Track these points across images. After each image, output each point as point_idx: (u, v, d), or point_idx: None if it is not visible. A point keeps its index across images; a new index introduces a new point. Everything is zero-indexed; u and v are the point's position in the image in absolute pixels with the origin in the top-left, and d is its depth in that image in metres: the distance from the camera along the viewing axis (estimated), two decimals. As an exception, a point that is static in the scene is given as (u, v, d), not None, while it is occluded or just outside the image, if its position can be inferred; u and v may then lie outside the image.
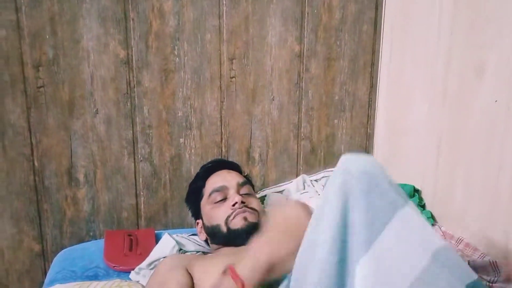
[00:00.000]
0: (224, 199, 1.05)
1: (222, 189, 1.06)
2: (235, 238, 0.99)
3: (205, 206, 1.08)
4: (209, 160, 1.27)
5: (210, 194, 1.07)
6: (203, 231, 1.10)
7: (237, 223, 1.00)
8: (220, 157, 1.36)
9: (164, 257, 1.10)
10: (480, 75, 1.10)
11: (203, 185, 1.11)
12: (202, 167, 1.19)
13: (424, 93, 1.29)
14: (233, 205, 1.02)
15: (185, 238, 1.17)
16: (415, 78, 1.33)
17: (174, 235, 1.17)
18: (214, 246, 1.07)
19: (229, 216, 1.01)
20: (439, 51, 1.22)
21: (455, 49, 1.18)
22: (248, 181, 1.13)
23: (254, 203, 1.06)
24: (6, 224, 1.21)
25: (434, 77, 1.24)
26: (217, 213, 1.03)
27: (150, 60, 1.24)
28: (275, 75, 1.37)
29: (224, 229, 1.01)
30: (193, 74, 1.29)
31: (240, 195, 1.05)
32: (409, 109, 1.36)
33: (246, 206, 1.03)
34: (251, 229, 0.99)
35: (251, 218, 1.01)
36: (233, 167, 1.17)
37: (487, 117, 1.09)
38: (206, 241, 1.12)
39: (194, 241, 1.16)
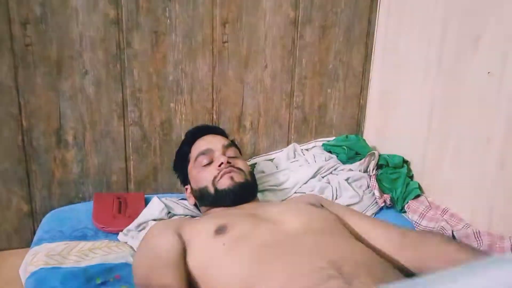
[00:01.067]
0: (211, 162, 1.05)
1: (208, 152, 1.06)
2: (223, 198, 1.00)
3: (192, 170, 1.09)
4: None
5: (196, 158, 1.07)
6: (191, 196, 1.11)
7: (224, 183, 1.00)
8: (211, 124, 1.35)
9: (153, 220, 1.11)
10: (475, 46, 1.09)
11: (189, 151, 1.11)
12: (186, 133, 1.20)
13: (418, 64, 1.27)
14: (219, 165, 1.02)
15: (174, 201, 1.17)
16: (410, 49, 1.31)
17: (163, 199, 1.18)
18: (204, 208, 1.08)
19: (215, 177, 1.02)
20: (435, 22, 1.20)
21: (451, 19, 1.16)
22: (233, 143, 1.14)
23: (240, 163, 1.07)
24: (-6, 184, 1.20)
25: (429, 48, 1.23)
26: (204, 175, 1.04)
27: (140, 21, 1.21)
28: (269, 42, 1.35)
29: (211, 190, 1.02)
30: (185, 38, 1.26)
31: (227, 156, 1.05)
32: (402, 80, 1.35)
33: (233, 167, 1.03)
34: (238, 189, 1.00)
35: (238, 178, 1.01)
36: (218, 131, 1.17)
37: (479, 88, 1.09)
38: (195, 205, 1.13)
39: (183, 205, 1.17)
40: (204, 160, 1.06)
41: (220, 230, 0.84)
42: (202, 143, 1.09)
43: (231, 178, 1.00)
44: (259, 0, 1.30)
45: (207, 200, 1.04)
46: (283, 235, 0.81)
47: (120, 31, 1.20)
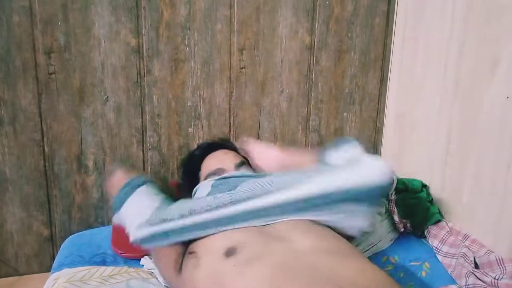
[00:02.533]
0: None
1: (219, 172, 1.01)
2: None
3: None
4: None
5: (205, 178, 1.03)
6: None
7: None
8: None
9: None
10: (493, 70, 1.09)
11: (199, 169, 1.07)
12: (197, 148, 1.15)
13: (435, 87, 1.28)
14: None
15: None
16: (427, 72, 1.32)
17: None
18: None
19: None
20: (452, 45, 1.21)
21: (468, 42, 1.16)
22: (245, 161, 1.08)
23: None
24: (16, 208, 1.22)
25: (446, 71, 1.23)
26: None
27: (160, 49, 1.24)
28: (285, 67, 1.36)
29: None
30: (203, 64, 1.29)
31: None
32: (419, 103, 1.35)
33: None
34: None
35: None
36: (229, 147, 1.12)
37: (499, 113, 1.08)
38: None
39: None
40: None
41: (230, 253, 0.82)
42: (213, 162, 1.05)
43: None
44: (275, 26, 1.32)
45: None
46: (294, 255, 0.79)
47: (140, 59, 1.23)
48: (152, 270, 1.07)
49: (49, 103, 1.19)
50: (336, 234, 0.87)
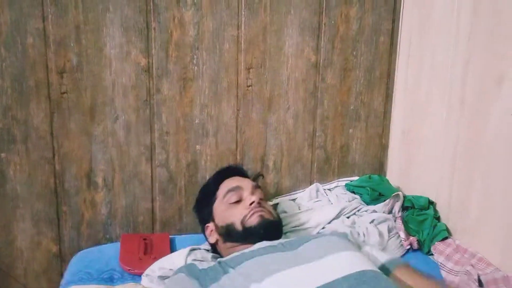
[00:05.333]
0: (239, 201, 1.06)
1: (237, 190, 1.08)
2: (251, 235, 1.00)
3: (219, 207, 1.09)
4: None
5: (225, 195, 1.08)
6: (213, 234, 1.10)
7: (253, 221, 1.01)
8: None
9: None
10: (498, 86, 1.10)
11: (217, 189, 1.12)
12: (216, 172, 1.21)
13: (441, 103, 1.29)
14: (250, 204, 1.03)
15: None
16: (432, 89, 1.33)
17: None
18: (228, 244, 1.06)
19: (245, 216, 1.02)
20: (457, 62, 1.22)
21: (473, 59, 1.17)
22: (260, 186, 1.15)
23: (268, 206, 1.09)
24: (26, 225, 1.24)
25: (451, 87, 1.24)
26: (233, 213, 1.05)
27: (169, 68, 1.27)
28: (291, 84, 1.38)
29: (239, 227, 1.02)
30: (211, 83, 1.31)
31: (257, 196, 1.06)
32: (424, 120, 1.36)
33: (263, 207, 1.04)
34: (267, 226, 1.00)
35: (268, 215, 1.02)
36: (245, 174, 1.20)
37: (505, 129, 1.09)
38: (214, 244, 1.12)
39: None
40: (233, 197, 1.07)
41: None
42: (232, 182, 1.11)
43: (261, 216, 1.01)
44: (281, 45, 1.35)
45: (234, 236, 1.04)
46: None
47: (150, 78, 1.26)
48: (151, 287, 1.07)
49: (60, 122, 1.22)
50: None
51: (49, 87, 1.20)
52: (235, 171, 1.18)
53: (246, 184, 1.10)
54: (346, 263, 0.86)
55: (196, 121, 1.32)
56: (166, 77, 1.27)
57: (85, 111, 1.23)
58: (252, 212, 1.02)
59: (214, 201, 1.12)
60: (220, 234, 1.09)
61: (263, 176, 1.20)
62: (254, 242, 0.99)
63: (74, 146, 1.24)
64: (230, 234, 1.05)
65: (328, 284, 0.79)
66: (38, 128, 1.21)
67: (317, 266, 0.85)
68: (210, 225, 1.12)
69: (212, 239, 1.11)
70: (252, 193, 1.08)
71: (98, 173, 1.27)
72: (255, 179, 1.21)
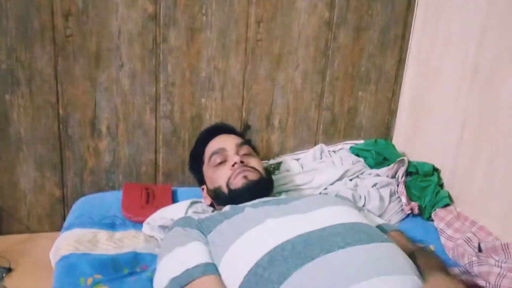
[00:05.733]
0: (224, 162, 1.05)
1: (221, 151, 1.06)
2: (236, 198, 0.99)
3: (207, 170, 1.10)
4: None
5: (210, 158, 1.08)
6: (207, 196, 1.11)
7: (238, 183, 1.00)
8: (240, 121, 1.36)
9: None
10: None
11: (203, 151, 1.12)
12: (199, 134, 1.21)
13: (454, 71, 1.25)
14: (233, 165, 1.03)
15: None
16: (446, 55, 1.29)
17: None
18: (221, 207, 1.06)
19: (229, 177, 1.02)
20: (474, 29, 1.18)
21: (490, 28, 1.13)
22: (247, 141, 1.13)
23: (253, 162, 1.06)
24: (30, 168, 1.25)
25: (466, 55, 1.20)
26: (218, 175, 1.04)
27: (177, 17, 1.23)
28: (302, 42, 1.34)
29: (225, 190, 1.02)
30: (219, 35, 1.27)
31: (240, 155, 1.05)
32: (436, 87, 1.33)
33: (246, 166, 1.03)
34: (252, 187, 0.99)
35: (251, 177, 1.01)
36: (230, 130, 1.17)
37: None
38: (211, 205, 1.13)
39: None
40: (217, 159, 1.06)
41: None
42: (215, 143, 1.10)
43: (245, 177, 1.00)
44: (294, 0, 1.30)
45: (222, 199, 1.04)
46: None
47: (157, 26, 1.23)
48: (152, 235, 1.08)
49: (65, 66, 1.20)
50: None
51: (54, 30, 1.17)
52: (219, 130, 1.16)
53: (229, 143, 1.08)
54: (341, 214, 0.86)
55: (203, 74, 1.30)
56: (174, 26, 1.23)
57: (90, 56, 1.20)
58: (235, 173, 1.01)
59: (203, 163, 1.12)
60: (211, 197, 1.10)
61: (250, 127, 1.17)
62: (241, 203, 0.98)
63: (78, 92, 1.23)
64: (219, 197, 1.05)
65: (321, 229, 0.79)
66: (42, 71, 1.19)
67: (310, 215, 0.85)
68: (205, 188, 1.13)
69: (208, 201, 1.12)
70: (237, 152, 1.06)
71: (102, 121, 1.26)
72: (243, 133, 1.20)
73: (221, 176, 1.04)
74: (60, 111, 1.23)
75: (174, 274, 0.80)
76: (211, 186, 1.08)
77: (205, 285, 0.78)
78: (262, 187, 1.02)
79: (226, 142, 1.09)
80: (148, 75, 1.26)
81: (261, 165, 1.09)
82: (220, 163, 1.05)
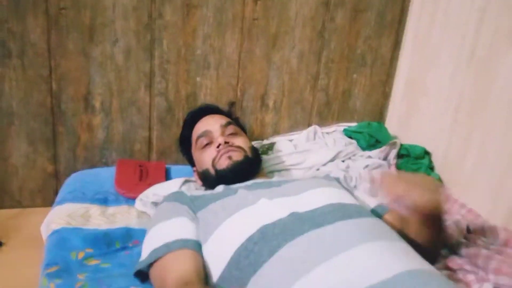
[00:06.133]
0: (210, 143, 1.05)
1: (206, 134, 1.06)
2: (224, 179, 0.99)
3: (195, 153, 1.09)
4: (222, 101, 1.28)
5: (196, 141, 1.08)
6: (198, 178, 1.11)
7: (223, 164, 1.00)
8: (234, 101, 1.36)
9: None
10: (511, 43, 1.06)
11: (190, 134, 1.12)
12: (186, 117, 1.19)
13: (450, 54, 1.25)
14: (217, 147, 1.02)
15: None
16: (443, 40, 1.29)
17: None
18: (212, 189, 1.06)
19: (214, 159, 1.02)
20: (472, 12, 1.17)
21: (489, 12, 1.13)
22: (232, 120, 1.12)
23: (239, 141, 1.05)
24: (22, 143, 1.24)
25: (463, 38, 1.20)
26: (205, 158, 1.04)
27: (173, -8, 1.21)
28: (299, 22, 1.33)
29: (212, 172, 1.02)
30: (216, 12, 1.26)
31: (225, 136, 1.05)
32: (431, 71, 1.33)
33: (231, 146, 1.02)
34: (237, 167, 0.99)
35: (236, 157, 1.00)
36: (215, 111, 1.16)
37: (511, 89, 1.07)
38: (203, 186, 1.12)
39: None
40: (203, 141, 1.05)
41: None
42: (200, 125, 1.09)
43: (229, 157, 1.00)
44: (292, -22, 1.28)
45: (211, 181, 1.03)
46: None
47: (152, 1, 1.21)
48: (144, 211, 1.09)
49: (58, 40, 1.18)
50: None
51: (47, 2, 1.14)
52: (204, 111, 1.15)
53: (214, 124, 1.07)
54: (331, 195, 0.87)
55: (198, 52, 1.28)
56: (170, 1, 1.21)
57: (84, 30, 1.19)
58: (220, 154, 1.01)
59: (191, 147, 1.12)
60: (201, 179, 1.10)
61: (234, 104, 1.19)
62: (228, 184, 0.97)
63: (71, 66, 1.21)
64: (208, 179, 1.04)
65: (312, 211, 0.80)
66: (35, 44, 1.17)
67: (301, 197, 0.86)
68: (195, 169, 1.12)
69: (199, 183, 1.12)
70: (222, 133, 1.05)
71: (96, 96, 1.25)
72: (229, 111, 1.18)
73: (207, 158, 1.04)
74: (53, 85, 1.22)
75: (154, 246, 0.82)
76: (199, 169, 1.08)
77: (179, 258, 0.79)
78: (248, 166, 1.02)
79: (211, 124, 1.08)
80: (143, 51, 1.24)
81: (247, 143, 1.08)
82: (206, 145, 1.05)
